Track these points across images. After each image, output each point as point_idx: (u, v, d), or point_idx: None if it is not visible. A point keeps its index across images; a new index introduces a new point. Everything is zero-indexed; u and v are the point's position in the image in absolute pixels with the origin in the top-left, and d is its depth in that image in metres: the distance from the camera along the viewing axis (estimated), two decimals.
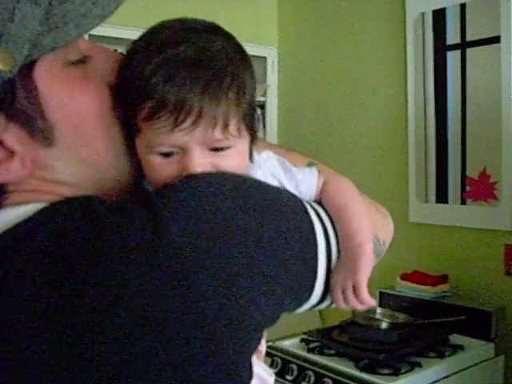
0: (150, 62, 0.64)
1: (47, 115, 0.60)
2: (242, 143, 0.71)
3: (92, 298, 0.52)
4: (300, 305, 0.68)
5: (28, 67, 0.57)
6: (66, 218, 0.57)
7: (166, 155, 0.67)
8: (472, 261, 2.35)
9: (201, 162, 0.66)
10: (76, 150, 0.63)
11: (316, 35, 2.97)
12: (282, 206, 0.65)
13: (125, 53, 0.68)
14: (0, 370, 0.53)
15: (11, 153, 0.59)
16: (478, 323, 2.11)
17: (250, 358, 0.61)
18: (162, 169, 0.67)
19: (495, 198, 2.28)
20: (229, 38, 0.70)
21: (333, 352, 1.98)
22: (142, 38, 0.67)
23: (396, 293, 2.37)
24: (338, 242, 0.70)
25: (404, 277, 2.39)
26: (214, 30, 0.69)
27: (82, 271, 0.53)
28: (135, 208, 0.56)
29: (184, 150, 0.66)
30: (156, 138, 0.65)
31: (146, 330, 0.53)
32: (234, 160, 0.69)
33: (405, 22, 2.53)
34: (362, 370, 1.83)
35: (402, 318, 2.11)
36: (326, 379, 1.85)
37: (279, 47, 3.21)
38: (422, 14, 2.47)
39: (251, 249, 0.58)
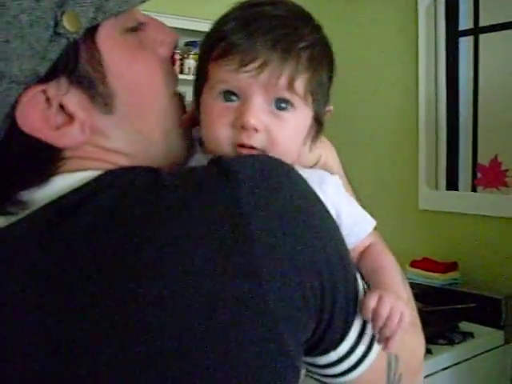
0: (233, 13, 0.67)
1: (108, 81, 0.59)
2: (304, 114, 0.69)
3: (154, 275, 0.51)
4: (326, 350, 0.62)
5: (91, 32, 0.57)
6: (133, 183, 0.56)
7: (228, 99, 0.66)
8: (482, 248, 2.35)
9: (258, 112, 0.65)
10: (133, 119, 0.62)
11: (327, 20, 2.94)
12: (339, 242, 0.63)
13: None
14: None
15: (71, 117, 0.58)
16: (487, 311, 2.12)
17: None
18: (219, 114, 0.66)
19: (506, 185, 2.27)
20: (319, 27, 0.72)
21: None
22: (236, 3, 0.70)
23: (406, 280, 2.36)
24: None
25: (414, 264, 2.39)
26: (307, 14, 0.71)
27: (145, 242, 0.52)
28: (213, 186, 0.54)
29: (245, 97, 0.66)
30: (222, 76, 0.66)
31: (209, 321, 0.51)
32: (288, 128, 0.67)
33: (417, 7, 2.51)
34: None
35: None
36: None
37: None
38: (435, 0, 2.45)
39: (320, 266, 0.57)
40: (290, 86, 0.65)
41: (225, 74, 0.65)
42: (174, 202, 0.53)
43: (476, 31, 2.34)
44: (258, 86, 0.65)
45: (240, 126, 0.65)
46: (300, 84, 0.66)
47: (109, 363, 0.51)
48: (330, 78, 0.73)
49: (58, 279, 0.53)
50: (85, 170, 0.59)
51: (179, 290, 0.51)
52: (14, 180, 0.58)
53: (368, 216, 0.78)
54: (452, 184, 2.45)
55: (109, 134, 0.61)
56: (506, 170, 2.26)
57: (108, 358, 0.51)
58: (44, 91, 0.56)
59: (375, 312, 0.61)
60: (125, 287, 0.51)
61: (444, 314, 2.12)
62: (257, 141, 0.65)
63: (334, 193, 0.71)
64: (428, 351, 1.86)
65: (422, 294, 2.25)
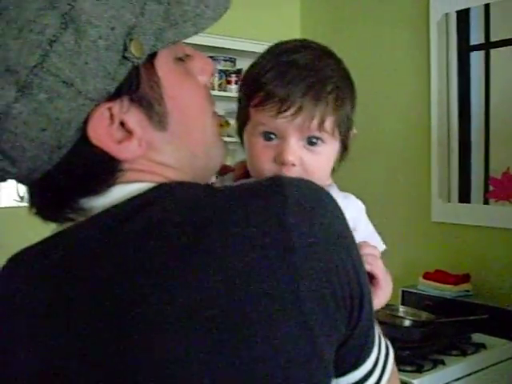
0: (268, 63, 0.83)
1: (164, 102, 0.65)
2: (333, 146, 0.84)
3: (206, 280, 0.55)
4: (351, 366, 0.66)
5: (150, 58, 0.64)
6: (188, 190, 0.63)
7: (268, 139, 0.82)
8: (494, 260, 2.36)
9: (294, 150, 0.81)
10: (182, 136, 0.68)
11: (339, 35, 2.98)
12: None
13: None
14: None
15: (130, 133, 0.63)
16: (499, 322, 2.13)
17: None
18: (261, 151, 0.83)
19: None
20: (340, 62, 0.87)
21: None
22: (268, 49, 0.87)
23: (418, 291, 2.38)
24: None
25: (426, 276, 2.40)
26: (328, 52, 0.87)
27: (202, 248, 0.56)
28: (263, 196, 0.59)
29: (283, 137, 0.81)
30: (263, 121, 0.82)
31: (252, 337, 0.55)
32: (320, 160, 0.83)
33: (428, 22, 2.55)
34: None
35: (424, 316, 2.12)
36: None
37: None
38: (446, 15, 2.48)
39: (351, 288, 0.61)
40: (321, 126, 0.81)
41: (265, 119, 0.81)
42: (226, 205, 0.59)
43: (487, 46, 2.37)
44: (294, 128, 0.80)
45: (280, 162, 0.81)
46: (328, 123, 0.82)
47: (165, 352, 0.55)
48: (353, 107, 0.87)
49: (111, 278, 0.58)
50: (141, 181, 0.65)
51: (224, 290, 0.55)
52: (77, 188, 0.64)
53: (379, 239, 0.88)
54: (464, 197, 2.47)
55: (161, 149, 0.67)
56: None
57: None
58: (109, 109, 0.61)
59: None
60: (174, 289, 0.55)
61: (456, 325, 2.13)
62: (295, 173, 0.80)
63: (354, 209, 0.85)
64: (441, 362, 1.88)
65: (435, 306, 2.26)
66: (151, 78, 0.64)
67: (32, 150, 0.60)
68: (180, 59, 0.69)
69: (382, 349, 0.68)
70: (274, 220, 0.57)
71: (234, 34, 2.96)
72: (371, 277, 0.80)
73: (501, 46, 2.32)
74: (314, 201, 0.60)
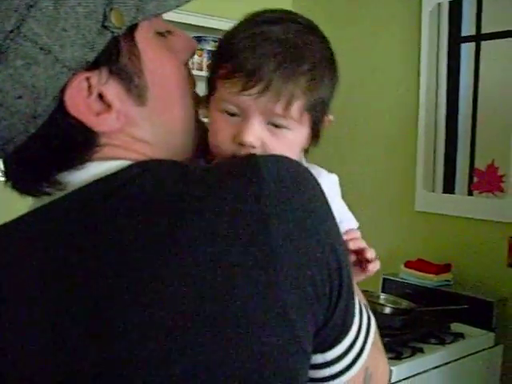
0: (242, 32, 0.73)
1: (144, 75, 0.64)
2: (300, 132, 0.76)
3: (179, 262, 0.55)
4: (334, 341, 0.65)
5: (130, 30, 0.63)
6: (163, 172, 0.61)
7: (231, 114, 0.74)
8: (476, 251, 2.38)
9: (255, 131, 0.73)
10: (160, 112, 0.67)
11: (331, 23, 2.97)
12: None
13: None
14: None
15: (109, 106, 0.62)
16: (479, 313, 2.15)
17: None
18: (223, 127, 0.74)
19: (502, 190, 2.30)
20: (323, 40, 0.77)
21: None
22: (247, 16, 0.76)
23: (399, 279, 2.40)
24: None
25: (408, 264, 2.42)
26: (311, 28, 0.76)
27: (177, 229, 0.56)
28: (238, 181, 0.58)
29: (245, 115, 0.73)
30: (226, 96, 0.73)
31: (225, 304, 0.55)
32: (284, 144, 0.74)
33: (421, 11, 2.54)
34: None
35: (404, 304, 2.14)
36: None
37: None
38: (439, 5, 2.48)
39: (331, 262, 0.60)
40: (287, 109, 0.72)
41: (229, 95, 0.73)
42: (201, 193, 0.57)
43: (478, 38, 2.37)
44: (257, 107, 0.72)
45: (239, 142, 0.73)
46: (296, 108, 0.72)
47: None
48: (332, 92, 0.79)
49: (92, 253, 0.58)
50: (118, 158, 0.64)
51: (199, 277, 0.54)
52: (53, 161, 0.63)
53: (353, 217, 0.86)
54: (449, 187, 2.48)
55: (139, 124, 0.66)
56: (503, 176, 2.30)
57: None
58: (87, 79, 0.60)
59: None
60: (154, 271, 0.55)
61: (436, 314, 2.15)
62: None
63: (326, 188, 0.77)
64: (420, 350, 1.90)
65: (416, 294, 2.28)
66: (131, 51, 0.63)
67: (7, 119, 0.59)
68: (161, 34, 0.68)
69: (363, 322, 0.68)
70: (250, 206, 0.56)
71: (224, 15, 2.93)
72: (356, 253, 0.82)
73: (492, 39, 2.33)
74: (292, 181, 0.59)
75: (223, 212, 0.56)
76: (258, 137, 0.73)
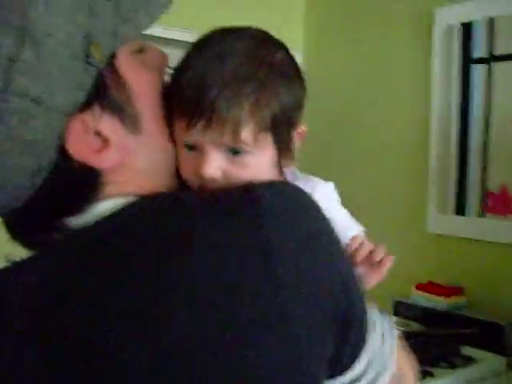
0: (186, 60, 0.69)
1: (134, 102, 0.64)
2: (262, 154, 0.71)
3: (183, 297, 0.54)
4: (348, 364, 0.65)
5: (111, 59, 0.62)
6: (159, 209, 0.60)
7: (190, 148, 0.70)
8: (488, 274, 2.35)
9: (213, 164, 0.68)
10: (155, 136, 0.67)
11: (342, 43, 2.98)
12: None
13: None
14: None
15: (106, 141, 0.62)
16: (490, 337, 2.12)
17: None
18: (185, 161, 0.70)
19: None
20: (276, 49, 0.71)
21: None
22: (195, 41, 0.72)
23: (410, 302, 2.38)
24: None
25: (419, 287, 2.40)
26: (260, 39, 0.71)
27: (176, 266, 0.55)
28: (237, 212, 0.57)
29: (201, 149, 0.69)
30: (180, 133, 0.69)
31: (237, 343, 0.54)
32: (249, 171, 0.70)
33: (432, 33, 2.54)
34: None
35: (415, 327, 2.12)
36: None
37: (304, 52, 3.23)
38: (450, 27, 2.48)
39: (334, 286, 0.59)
40: (236, 139, 0.67)
41: (180, 130, 0.69)
42: (203, 229, 0.56)
43: (490, 60, 2.36)
44: (209, 140, 0.68)
45: (200, 176, 0.69)
46: (247, 133, 0.67)
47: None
48: (296, 100, 0.73)
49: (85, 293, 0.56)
50: (121, 195, 0.63)
51: (206, 309, 0.53)
52: (60, 208, 0.63)
53: (356, 223, 0.87)
54: (461, 209, 2.46)
55: (138, 153, 0.65)
56: None
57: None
58: (82, 120, 0.60)
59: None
60: (157, 304, 0.54)
61: (447, 337, 2.13)
62: (220, 185, 0.69)
63: (325, 199, 0.76)
64: (429, 374, 1.87)
65: (427, 317, 2.26)
66: (116, 80, 0.63)
67: (12, 179, 0.58)
68: (138, 51, 0.68)
69: (385, 337, 0.67)
70: (252, 239, 0.55)
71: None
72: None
73: (504, 60, 2.32)
74: (292, 212, 0.58)
75: (225, 248, 0.55)
76: (217, 169, 0.68)
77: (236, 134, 0.67)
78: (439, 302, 2.31)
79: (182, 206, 0.59)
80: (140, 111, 0.64)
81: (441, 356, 2.02)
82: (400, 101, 2.72)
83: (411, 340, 1.99)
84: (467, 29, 2.43)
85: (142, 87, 0.65)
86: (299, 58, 3.26)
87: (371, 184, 2.81)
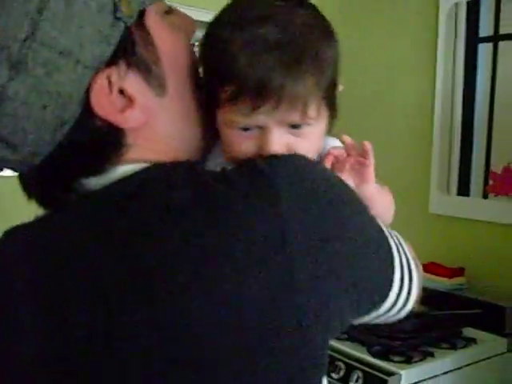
0: (232, 42, 0.64)
1: (161, 62, 0.62)
2: (321, 123, 0.72)
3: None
4: (369, 311, 0.67)
5: (140, 18, 0.61)
6: (172, 179, 0.58)
7: (246, 129, 0.68)
8: (490, 255, 2.35)
9: (279, 141, 0.68)
10: (178, 100, 0.65)
11: (348, 22, 2.95)
12: (360, 204, 0.67)
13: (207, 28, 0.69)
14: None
15: (131, 100, 0.61)
16: (492, 318, 2.12)
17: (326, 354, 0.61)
18: (240, 142, 0.69)
19: None
20: (311, 9, 0.70)
21: (345, 336, 2.00)
22: (224, 12, 0.68)
23: None
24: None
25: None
26: (300, 5, 0.69)
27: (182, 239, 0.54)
28: (240, 178, 0.57)
29: (263, 129, 0.68)
30: (236, 117, 0.67)
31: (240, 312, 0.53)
32: (309, 141, 0.71)
33: (438, 11, 2.51)
34: (375, 355, 1.85)
35: (416, 307, 2.11)
36: (337, 362, 1.87)
37: None
38: (456, 5, 2.44)
39: (351, 245, 0.60)
40: (304, 114, 0.67)
41: (239, 116, 0.66)
42: (213, 210, 0.55)
43: (496, 38, 2.33)
44: (274, 120, 0.67)
45: (266, 152, 0.68)
46: (313, 108, 0.68)
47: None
48: (337, 60, 0.72)
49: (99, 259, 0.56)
50: (142, 161, 0.62)
51: (215, 279, 0.53)
52: (81, 167, 0.61)
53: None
54: (463, 190, 2.45)
55: (161, 116, 0.64)
56: None
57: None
58: (108, 76, 0.59)
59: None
60: (170, 275, 0.53)
61: (448, 318, 2.12)
62: None
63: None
64: (430, 354, 1.87)
65: (428, 298, 2.24)
66: (145, 38, 0.61)
67: (34, 132, 0.57)
68: (167, 13, 0.66)
69: (403, 266, 0.69)
70: (268, 215, 0.54)
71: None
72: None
73: (510, 39, 2.29)
74: (307, 186, 0.58)
75: (238, 224, 0.54)
76: (282, 144, 0.68)
77: (304, 112, 0.67)
78: (441, 283, 2.30)
79: (199, 178, 0.58)
80: (166, 73, 0.63)
81: (442, 337, 2.02)
82: (404, 80, 2.69)
83: (412, 320, 1.99)
84: (473, 7, 2.39)
85: (169, 49, 0.64)
86: None
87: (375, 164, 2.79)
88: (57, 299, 0.56)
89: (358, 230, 0.61)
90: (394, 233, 0.73)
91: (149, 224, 0.55)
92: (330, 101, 0.72)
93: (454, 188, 2.47)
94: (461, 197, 2.45)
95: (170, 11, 0.67)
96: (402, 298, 0.68)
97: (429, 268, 2.37)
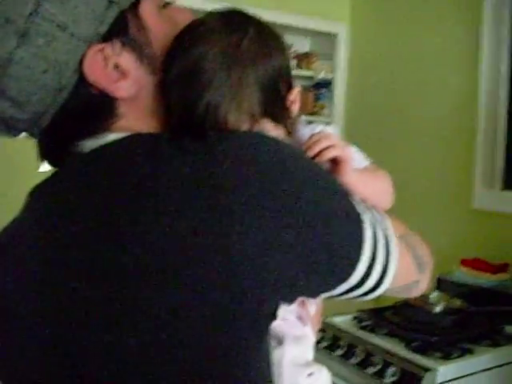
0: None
1: (153, 46, 0.72)
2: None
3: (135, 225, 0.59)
4: (336, 283, 0.68)
5: (135, 6, 0.71)
6: (133, 148, 0.65)
7: None
8: None
9: None
10: None
11: (388, 11, 2.91)
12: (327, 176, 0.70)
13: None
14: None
15: (125, 74, 0.70)
16: None
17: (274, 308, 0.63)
18: None
19: None
20: (248, 22, 0.75)
21: (384, 331, 1.98)
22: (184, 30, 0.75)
23: (454, 279, 2.34)
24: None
25: (464, 263, 2.36)
26: (223, 23, 0.73)
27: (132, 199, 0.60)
28: (197, 160, 0.62)
29: None
30: None
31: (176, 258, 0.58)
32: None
33: (483, 3, 2.46)
34: (413, 350, 1.83)
35: (458, 303, 2.08)
36: (375, 358, 1.87)
37: (351, 23, 3.18)
38: None
39: (299, 206, 0.61)
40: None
41: None
42: (167, 173, 0.61)
43: None
44: None
45: None
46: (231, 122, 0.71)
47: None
48: (280, 69, 0.75)
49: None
50: (127, 131, 0.69)
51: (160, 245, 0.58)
52: (78, 130, 0.71)
53: (363, 156, 0.86)
54: (508, 184, 2.40)
55: (151, 92, 0.72)
56: None
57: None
58: (102, 50, 0.68)
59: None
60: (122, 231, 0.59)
61: (490, 315, 2.09)
62: None
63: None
64: (470, 351, 1.84)
65: (471, 294, 2.21)
66: (138, 23, 0.71)
67: (37, 93, 0.67)
68: (163, 6, 0.75)
69: (378, 239, 0.69)
70: (208, 184, 0.59)
71: (279, 7, 2.92)
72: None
73: None
74: (248, 158, 0.61)
75: (181, 192, 0.59)
76: None
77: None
78: (485, 279, 2.27)
79: (156, 150, 0.64)
80: (157, 55, 0.71)
81: (483, 334, 1.98)
82: (447, 73, 2.65)
83: (451, 316, 1.97)
84: None
85: (161, 36, 0.72)
86: (345, 30, 3.21)
87: (416, 159, 2.77)
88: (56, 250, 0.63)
89: (313, 201, 0.62)
90: (383, 216, 0.73)
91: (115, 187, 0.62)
92: (267, 108, 0.73)
93: (498, 183, 2.43)
94: (505, 191, 2.40)
95: (167, 6, 0.76)
96: (374, 275, 0.68)
97: (473, 264, 2.33)
